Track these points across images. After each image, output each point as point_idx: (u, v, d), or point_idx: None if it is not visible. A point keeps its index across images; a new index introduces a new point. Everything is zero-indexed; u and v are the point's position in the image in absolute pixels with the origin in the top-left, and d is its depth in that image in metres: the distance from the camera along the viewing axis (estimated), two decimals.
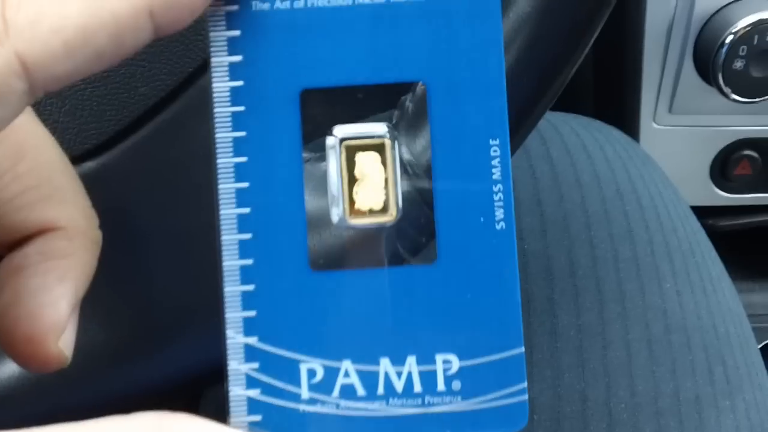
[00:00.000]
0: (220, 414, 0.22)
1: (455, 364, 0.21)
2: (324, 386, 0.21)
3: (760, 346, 0.77)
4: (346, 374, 0.21)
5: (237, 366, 0.21)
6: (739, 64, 0.61)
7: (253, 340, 0.21)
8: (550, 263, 0.46)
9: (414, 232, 0.22)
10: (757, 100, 0.63)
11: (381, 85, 0.22)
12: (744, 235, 0.79)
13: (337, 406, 0.21)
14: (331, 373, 0.21)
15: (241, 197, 0.22)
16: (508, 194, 0.22)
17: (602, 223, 0.48)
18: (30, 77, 0.19)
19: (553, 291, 0.46)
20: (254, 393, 0.21)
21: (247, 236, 0.21)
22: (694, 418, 0.44)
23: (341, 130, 0.22)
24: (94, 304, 0.26)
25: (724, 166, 0.71)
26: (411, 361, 0.21)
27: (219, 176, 0.22)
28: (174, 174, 0.32)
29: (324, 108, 0.22)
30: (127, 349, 0.32)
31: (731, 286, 0.52)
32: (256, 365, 0.21)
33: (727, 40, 0.60)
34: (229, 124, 0.22)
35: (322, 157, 0.22)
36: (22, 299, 0.23)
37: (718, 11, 0.61)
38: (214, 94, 0.22)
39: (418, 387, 0.21)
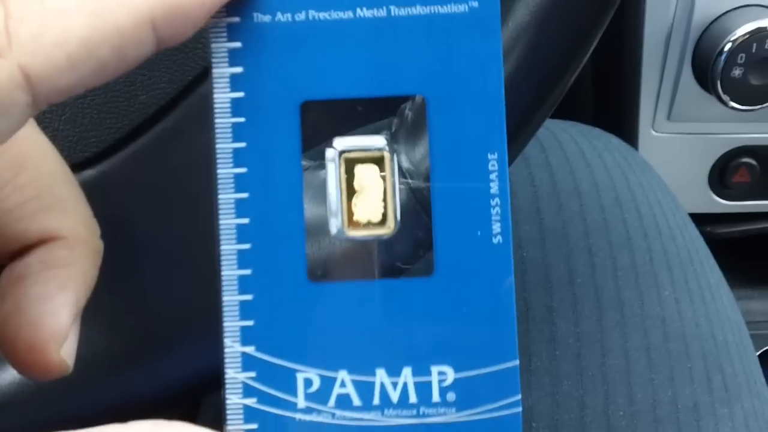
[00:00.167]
0: (219, 422, 0.22)
1: (450, 375, 0.22)
2: (320, 396, 0.22)
3: (759, 353, 0.77)
4: (342, 384, 0.22)
5: (234, 374, 0.21)
6: (737, 72, 0.61)
7: (250, 349, 0.21)
8: (549, 271, 0.46)
9: (411, 245, 0.23)
10: (755, 107, 0.63)
11: (381, 98, 0.22)
12: (742, 242, 0.79)
13: (333, 415, 0.22)
14: (328, 383, 0.22)
15: (241, 207, 0.22)
16: (505, 208, 0.22)
17: (601, 231, 0.48)
18: (33, 90, 0.19)
19: (552, 299, 0.46)
20: (251, 401, 0.21)
21: (246, 246, 0.22)
22: (693, 426, 0.44)
23: (341, 143, 0.22)
24: (93, 312, 0.26)
25: (723, 174, 0.71)
26: (407, 372, 0.22)
27: (219, 186, 0.22)
28: (173, 182, 0.32)
29: (324, 120, 0.22)
30: (126, 357, 0.32)
31: (730, 294, 0.52)
32: (253, 374, 0.21)
33: (726, 48, 0.60)
34: (230, 134, 0.22)
35: (321, 165, 0.23)
36: (24, 308, 0.23)
37: (716, 19, 0.61)
38: (215, 105, 0.22)
39: (413, 398, 0.22)
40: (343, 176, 0.22)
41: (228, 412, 0.21)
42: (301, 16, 0.22)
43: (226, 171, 0.22)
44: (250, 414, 0.21)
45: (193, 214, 0.32)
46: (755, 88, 0.62)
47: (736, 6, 0.61)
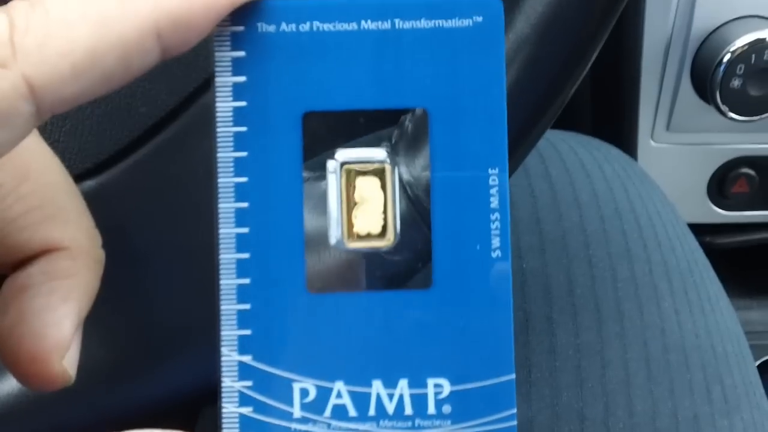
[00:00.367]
0: None
1: (446, 388, 0.22)
2: (316, 406, 0.22)
3: (758, 362, 0.77)
4: (339, 395, 0.22)
5: (230, 383, 0.21)
6: (736, 83, 0.61)
7: (247, 359, 0.22)
8: (549, 282, 0.46)
9: (411, 258, 0.23)
10: (754, 118, 0.63)
11: (383, 110, 0.22)
12: (741, 252, 0.79)
13: (329, 425, 0.22)
14: (324, 393, 0.22)
15: (241, 217, 0.22)
16: (504, 223, 0.22)
17: (601, 242, 0.48)
18: (37, 100, 0.19)
19: (552, 310, 0.46)
20: (247, 410, 0.21)
21: (245, 256, 0.22)
22: None
23: (342, 154, 0.23)
24: (93, 322, 0.26)
25: (722, 184, 0.71)
26: (403, 384, 0.22)
27: (219, 195, 0.22)
28: (173, 193, 0.32)
29: (325, 131, 0.22)
30: (126, 367, 0.32)
31: (729, 305, 0.52)
32: (249, 383, 0.21)
33: (725, 59, 0.60)
34: (231, 144, 0.22)
35: (322, 177, 0.23)
36: (27, 319, 0.23)
37: (715, 30, 0.62)
38: (217, 114, 0.22)
39: (409, 410, 0.22)
40: (344, 188, 0.22)
41: (224, 420, 0.21)
42: (305, 27, 0.22)
43: (226, 180, 0.22)
44: (245, 423, 0.21)
45: (192, 225, 0.32)
46: (754, 99, 0.62)
47: (734, 17, 0.61)
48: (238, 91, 0.22)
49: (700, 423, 0.44)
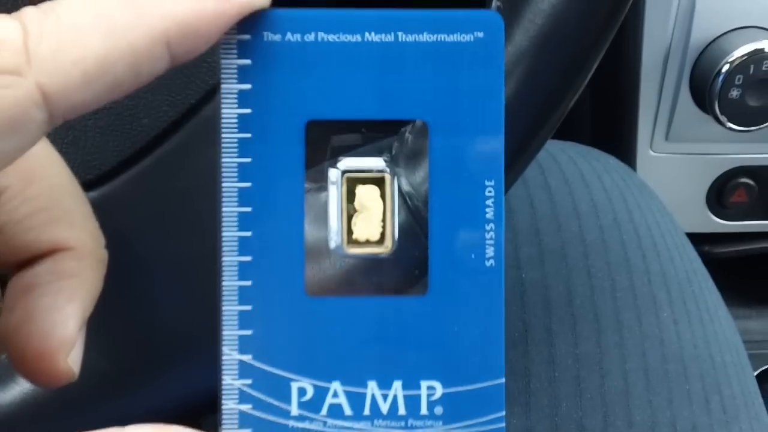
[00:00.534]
0: None
1: (438, 390, 0.22)
2: (313, 405, 0.22)
3: (758, 372, 0.77)
4: (335, 394, 0.22)
5: (231, 381, 0.22)
6: (735, 93, 0.61)
7: (247, 358, 0.22)
8: (548, 292, 0.47)
9: (407, 265, 0.24)
10: (753, 128, 0.63)
11: (384, 121, 0.22)
12: (740, 261, 0.79)
13: (325, 424, 0.22)
14: (321, 393, 0.22)
15: (244, 221, 0.22)
16: (499, 234, 0.23)
17: (600, 252, 0.48)
18: (50, 106, 0.20)
19: (551, 320, 0.46)
20: (246, 407, 0.22)
21: (248, 258, 0.22)
22: None
23: (343, 163, 0.23)
24: (94, 331, 0.26)
25: (721, 194, 0.71)
26: (397, 385, 0.22)
27: (223, 199, 0.22)
28: (175, 204, 0.32)
29: (328, 140, 0.22)
30: (126, 376, 0.33)
31: (728, 315, 0.52)
32: (249, 381, 0.22)
33: (724, 69, 0.60)
34: (236, 149, 0.22)
35: (323, 188, 0.23)
36: (34, 317, 0.24)
37: (714, 40, 0.62)
38: (223, 120, 0.22)
39: (402, 410, 0.22)
40: (345, 195, 0.23)
41: (224, 417, 0.22)
42: (310, 37, 0.22)
43: (230, 185, 0.22)
44: (244, 419, 0.22)
45: (194, 236, 0.32)
46: (753, 109, 0.62)
47: (733, 27, 0.61)
48: (243, 99, 0.22)
49: None
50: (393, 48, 0.22)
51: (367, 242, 0.23)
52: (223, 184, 0.22)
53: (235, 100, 0.22)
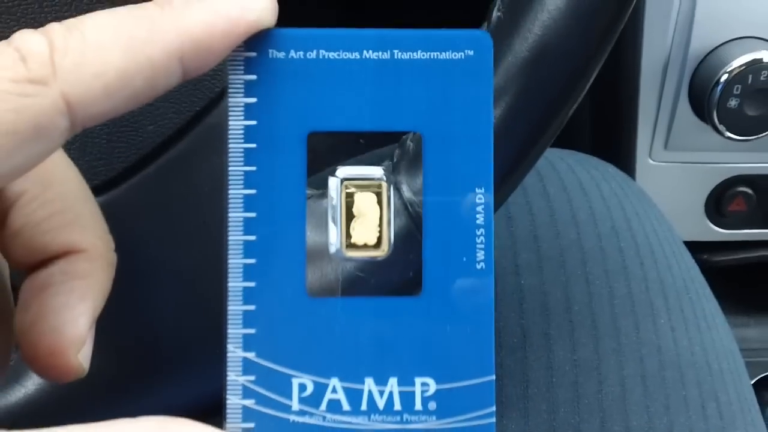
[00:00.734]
0: None
1: (432, 386, 0.24)
2: (313, 400, 0.23)
3: (754, 380, 0.77)
4: (334, 390, 0.23)
5: (235, 377, 0.23)
6: (733, 103, 0.61)
7: (251, 355, 0.23)
8: (547, 299, 0.47)
9: (403, 267, 0.24)
10: (751, 137, 0.63)
11: (381, 132, 0.24)
12: (738, 270, 0.79)
13: (324, 418, 0.23)
14: (320, 389, 0.23)
15: (248, 226, 0.23)
16: (489, 238, 0.24)
17: (598, 259, 0.49)
18: (72, 115, 0.21)
19: (549, 326, 0.46)
20: (249, 402, 0.23)
21: (252, 261, 0.23)
22: None
23: (343, 171, 0.24)
24: (99, 336, 0.26)
25: (719, 202, 0.71)
26: (393, 381, 0.24)
27: (229, 205, 0.23)
28: (180, 209, 0.32)
29: (328, 150, 0.23)
30: (130, 380, 0.33)
31: (725, 323, 0.52)
32: (252, 377, 0.23)
33: (722, 79, 0.61)
34: (242, 158, 0.23)
35: (324, 195, 0.24)
36: (47, 315, 0.25)
37: (713, 51, 0.62)
38: (230, 131, 0.23)
39: (397, 405, 0.23)
40: (344, 202, 0.24)
41: (228, 411, 0.23)
42: (312, 55, 0.23)
43: (236, 192, 0.23)
44: (248, 414, 0.23)
45: (197, 241, 0.32)
46: (751, 119, 0.62)
47: (732, 38, 0.61)
48: (249, 111, 0.23)
49: None
50: (389, 65, 0.23)
51: (365, 246, 0.24)
52: (230, 191, 0.23)
53: (242, 113, 0.23)
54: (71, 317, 0.25)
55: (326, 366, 0.23)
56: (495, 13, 0.32)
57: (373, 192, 0.24)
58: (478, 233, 0.24)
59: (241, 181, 0.23)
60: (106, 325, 0.27)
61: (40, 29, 0.21)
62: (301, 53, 0.23)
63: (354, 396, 0.23)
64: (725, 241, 0.74)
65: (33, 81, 0.20)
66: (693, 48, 0.62)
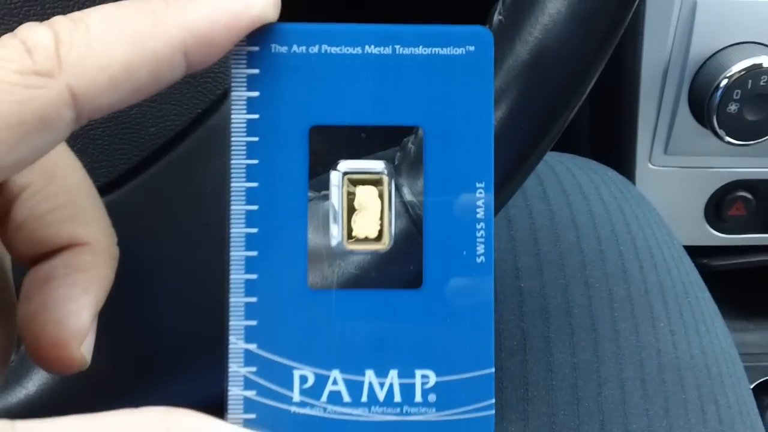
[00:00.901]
0: None
1: (432, 379, 0.24)
2: (314, 391, 0.23)
3: (753, 385, 0.77)
4: (335, 382, 0.24)
5: (237, 369, 0.23)
6: (733, 108, 0.61)
7: (252, 347, 0.23)
8: (546, 302, 0.47)
9: (404, 260, 0.25)
10: (750, 142, 0.63)
11: (382, 126, 0.24)
12: (738, 274, 0.79)
13: (325, 409, 0.23)
14: (321, 380, 0.23)
15: (251, 218, 0.23)
16: (489, 231, 0.24)
17: (597, 262, 0.49)
18: (77, 107, 0.21)
19: (549, 329, 0.46)
20: (251, 393, 0.23)
21: (254, 254, 0.23)
22: None
23: (344, 165, 0.24)
24: (100, 336, 0.27)
25: (719, 207, 0.71)
26: (393, 374, 0.24)
27: (232, 198, 0.23)
28: (181, 211, 0.32)
29: (330, 143, 0.24)
30: (131, 381, 0.33)
31: (724, 326, 0.52)
32: (254, 369, 0.23)
33: (722, 84, 0.61)
34: (244, 152, 0.23)
35: (325, 197, 0.24)
36: (50, 307, 0.25)
37: (713, 55, 0.62)
38: (232, 125, 0.23)
39: (398, 397, 0.24)
40: (345, 195, 0.24)
41: (229, 402, 0.23)
42: (314, 49, 0.23)
43: (239, 185, 0.23)
44: (249, 405, 0.23)
45: (199, 243, 0.32)
46: (750, 124, 0.62)
47: (732, 43, 0.61)
48: (251, 105, 0.23)
49: None
50: (391, 60, 0.24)
51: (366, 239, 0.25)
52: (232, 184, 0.23)
53: (244, 106, 0.23)
54: (74, 309, 0.25)
55: (327, 358, 0.23)
56: (496, 17, 0.32)
57: (375, 186, 0.24)
58: (479, 227, 0.24)
59: (244, 174, 0.23)
60: (107, 325, 0.27)
61: (46, 22, 0.21)
62: (304, 48, 0.23)
63: (354, 388, 0.24)
64: (725, 245, 0.75)
65: (39, 73, 0.20)
66: (693, 53, 0.62)
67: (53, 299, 0.25)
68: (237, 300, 0.23)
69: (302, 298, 0.24)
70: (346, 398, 0.24)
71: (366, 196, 0.24)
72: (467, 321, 0.24)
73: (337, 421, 0.23)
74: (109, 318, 0.27)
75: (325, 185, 0.24)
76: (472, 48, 0.24)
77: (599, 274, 0.48)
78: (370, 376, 0.24)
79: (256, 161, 0.23)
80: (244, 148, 0.23)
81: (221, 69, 0.33)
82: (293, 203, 0.23)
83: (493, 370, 0.24)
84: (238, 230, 0.23)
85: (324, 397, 0.23)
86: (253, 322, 0.23)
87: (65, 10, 0.31)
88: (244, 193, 0.23)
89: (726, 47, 0.62)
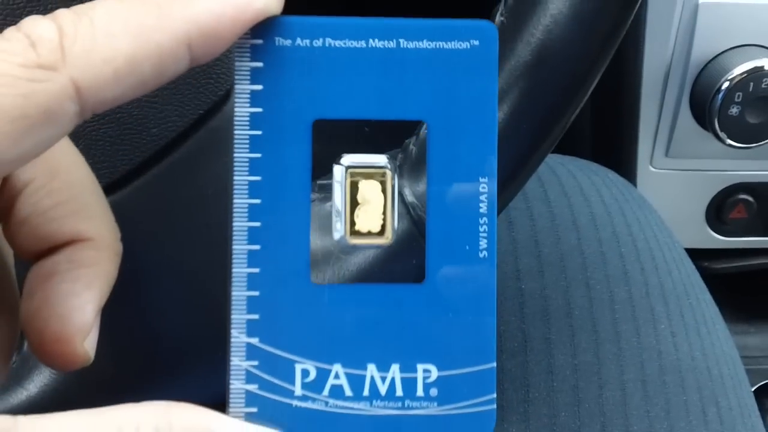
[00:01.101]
0: None
1: (434, 373, 0.24)
2: (316, 385, 0.23)
3: (754, 388, 0.77)
4: (336, 376, 0.24)
5: (238, 362, 0.23)
6: (734, 110, 0.61)
7: (254, 341, 0.23)
8: (547, 303, 0.47)
9: (406, 255, 0.25)
10: (752, 145, 0.63)
11: (386, 121, 0.24)
12: (739, 277, 0.79)
13: (326, 403, 0.24)
14: (323, 374, 0.24)
15: (253, 212, 0.23)
16: (491, 226, 0.24)
17: (598, 264, 0.49)
18: (81, 101, 0.21)
19: (550, 331, 0.46)
20: (252, 387, 0.23)
21: (256, 247, 0.23)
22: None
23: (348, 159, 0.24)
24: (101, 337, 0.27)
25: (720, 210, 0.71)
26: (395, 368, 0.24)
27: (234, 192, 0.23)
28: (183, 212, 0.32)
29: (333, 137, 0.24)
30: (132, 382, 0.33)
31: (725, 329, 0.53)
32: (255, 363, 0.23)
33: (723, 87, 0.61)
34: (247, 145, 0.23)
35: (327, 198, 0.24)
36: (53, 303, 0.25)
37: (714, 58, 0.62)
38: (236, 118, 0.23)
39: (399, 391, 0.24)
40: (348, 189, 0.24)
41: (231, 396, 0.23)
42: (318, 43, 0.23)
43: (242, 178, 0.23)
44: (251, 399, 0.23)
45: (201, 244, 0.32)
46: (752, 126, 0.62)
47: (733, 45, 0.62)
48: (255, 98, 0.23)
49: None
50: (395, 54, 0.24)
51: (369, 233, 0.24)
52: (235, 178, 0.23)
53: (248, 100, 0.23)
54: (77, 304, 0.25)
55: (329, 352, 0.24)
56: (498, 18, 0.32)
57: (378, 180, 0.24)
58: (482, 222, 0.24)
59: (247, 168, 0.23)
60: (109, 325, 0.27)
61: (50, 15, 0.21)
62: (308, 41, 0.23)
63: (356, 382, 0.24)
64: (726, 248, 0.75)
65: (43, 66, 0.20)
66: (694, 56, 0.62)
67: (56, 295, 0.25)
68: (239, 294, 0.23)
69: (304, 292, 0.24)
70: (348, 392, 0.24)
71: (369, 190, 0.24)
72: (469, 316, 0.24)
73: (339, 415, 0.23)
74: (111, 318, 0.27)
75: (327, 188, 0.24)
76: (476, 42, 0.24)
77: (600, 276, 0.48)
78: (371, 370, 0.24)
79: (259, 155, 0.23)
80: (248, 141, 0.23)
81: (223, 70, 0.33)
82: (296, 197, 0.23)
83: (494, 364, 0.24)
84: (240, 224, 0.23)
85: (326, 391, 0.23)
86: (255, 316, 0.23)
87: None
88: (247, 187, 0.23)
89: (727, 50, 0.62)
